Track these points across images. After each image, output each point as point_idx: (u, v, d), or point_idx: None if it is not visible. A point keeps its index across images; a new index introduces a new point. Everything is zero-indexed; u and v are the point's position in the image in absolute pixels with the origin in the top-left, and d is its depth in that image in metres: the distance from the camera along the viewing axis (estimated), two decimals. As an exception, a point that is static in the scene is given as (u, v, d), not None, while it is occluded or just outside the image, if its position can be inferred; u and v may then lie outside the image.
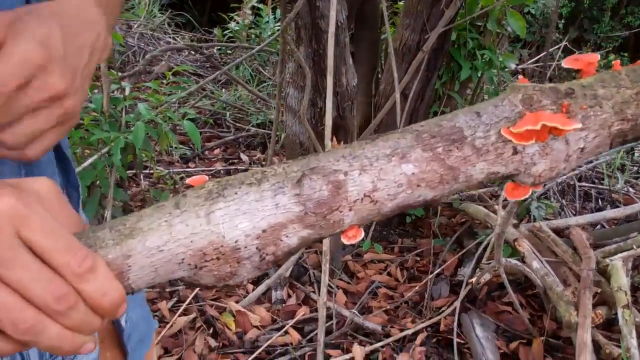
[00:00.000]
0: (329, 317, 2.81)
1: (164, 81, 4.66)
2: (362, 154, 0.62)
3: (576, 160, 0.66)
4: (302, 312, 2.86)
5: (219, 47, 6.84)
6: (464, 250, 3.27)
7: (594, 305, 2.59)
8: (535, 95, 0.64)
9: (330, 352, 2.66)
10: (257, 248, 0.59)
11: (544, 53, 5.38)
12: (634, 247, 2.75)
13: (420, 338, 2.75)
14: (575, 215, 3.73)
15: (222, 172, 4.86)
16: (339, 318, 2.85)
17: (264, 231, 0.59)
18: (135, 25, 6.85)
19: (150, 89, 3.52)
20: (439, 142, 0.62)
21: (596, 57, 0.69)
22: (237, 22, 6.64)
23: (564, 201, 3.89)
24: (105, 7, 0.70)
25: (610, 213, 3.50)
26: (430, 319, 2.88)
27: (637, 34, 8.29)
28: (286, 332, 2.76)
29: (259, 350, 2.60)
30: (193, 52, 6.81)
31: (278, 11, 6.13)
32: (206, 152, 5.29)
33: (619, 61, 0.69)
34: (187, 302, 2.80)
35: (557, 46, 6.36)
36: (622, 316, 2.46)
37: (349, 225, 0.62)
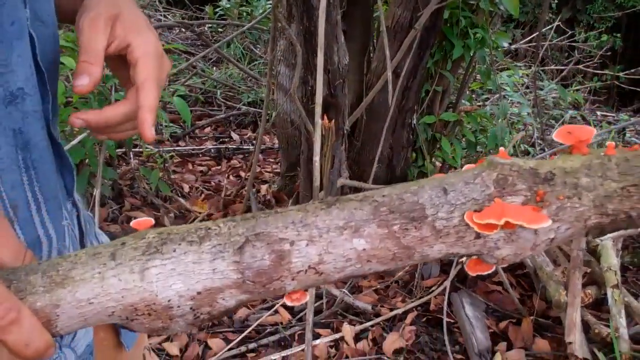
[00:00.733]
0: (319, 296, 2.81)
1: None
2: (314, 222, 0.59)
3: (545, 248, 0.61)
4: (293, 291, 2.85)
5: (210, 25, 6.77)
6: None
7: (584, 285, 2.60)
8: (511, 177, 0.59)
9: (320, 331, 2.66)
10: (191, 308, 0.58)
11: (537, 33, 5.35)
12: (624, 227, 2.74)
13: (410, 317, 2.75)
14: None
15: (212, 150, 4.84)
16: (329, 297, 2.85)
17: (199, 293, 0.57)
18: (126, 2, 6.75)
19: (140, 67, 3.47)
20: (397, 218, 0.58)
21: (590, 133, 0.62)
22: (229, 0, 6.57)
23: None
24: None
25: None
26: (420, 298, 2.88)
27: (630, 15, 8.26)
28: (276, 312, 2.76)
29: (249, 330, 2.60)
30: (184, 30, 6.75)
31: (270, -12, 6.06)
32: (196, 131, 5.26)
33: (613, 144, 0.62)
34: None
35: (549, 26, 6.32)
36: (611, 296, 2.47)
37: (291, 290, 0.61)
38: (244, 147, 4.97)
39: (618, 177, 0.58)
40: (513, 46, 6.33)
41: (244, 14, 6.51)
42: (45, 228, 0.76)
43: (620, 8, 8.49)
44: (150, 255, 0.57)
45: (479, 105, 4.74)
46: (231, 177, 4.43)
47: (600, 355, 2.18)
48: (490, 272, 0.63)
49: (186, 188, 4.08)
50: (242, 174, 4.36)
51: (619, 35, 8.20)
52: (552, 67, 7.02)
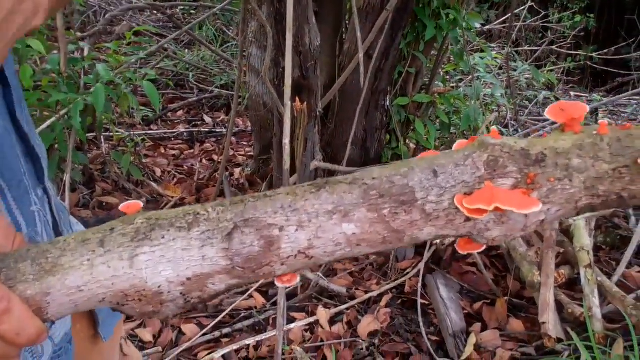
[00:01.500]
0: (293, 280, 2.79)
1: (125, 42, 4.54)
2: (303, 207, 0.58)
3: (534, 228, 0.61)
4: (267, 276, 2.84)
5: (181, 7, 6.68)
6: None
7: (557, 265, 2.62)
8: (502, 158, 0.58)
9: (295, 314, 2.65)
10: (181, 293, 0.58)
11: (510, 14, 5.35)
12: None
13: (385, 300, 2.76)
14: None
15: (185, 134, 4.79)
16: (304, 281, 2.84)
17: (188, 279, 0.57)
18: (95, -16, 6.64)
19: (110, 50, 3.42)
20: (387, 202, 0.58)
21: (583, 110, 0.60)
22: (200, -19, 6.48)
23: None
24: None
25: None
26: (395, 280, 2.89)
27: (603, -5, 8.32)
28: (250, 296, 2.75)
29: (223, 314, 2.58)
30: (155, 12, 6.65)
31: (242, -31, 5.99)
32: (169, 114, 5.20)
33: (606, 122, 0.60)
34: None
35: (523, 7, 6.33)
36: (584, 276, 2.49)
37: (281, 274, 0.61)
38: (217, 130, 4.93)
39: (610, 158, 0.57)
40: (486, 27, 6.33)
41: (216, -5, 6.44)
42: (13, 215, 0.74)
43: (594, -12, 8.53)
44: (139, 242, 0.57)
45: (453, 87, 4.74)
46: (204, 160, 4.39)
47: (573, 334, 2.20)
48: (480, 250, 0.63)
49: (158, 172, 4.04)
50: (215, 157, 4.32)
51: (592, 15, 8.23)
52: (526, 48, 7.04)
